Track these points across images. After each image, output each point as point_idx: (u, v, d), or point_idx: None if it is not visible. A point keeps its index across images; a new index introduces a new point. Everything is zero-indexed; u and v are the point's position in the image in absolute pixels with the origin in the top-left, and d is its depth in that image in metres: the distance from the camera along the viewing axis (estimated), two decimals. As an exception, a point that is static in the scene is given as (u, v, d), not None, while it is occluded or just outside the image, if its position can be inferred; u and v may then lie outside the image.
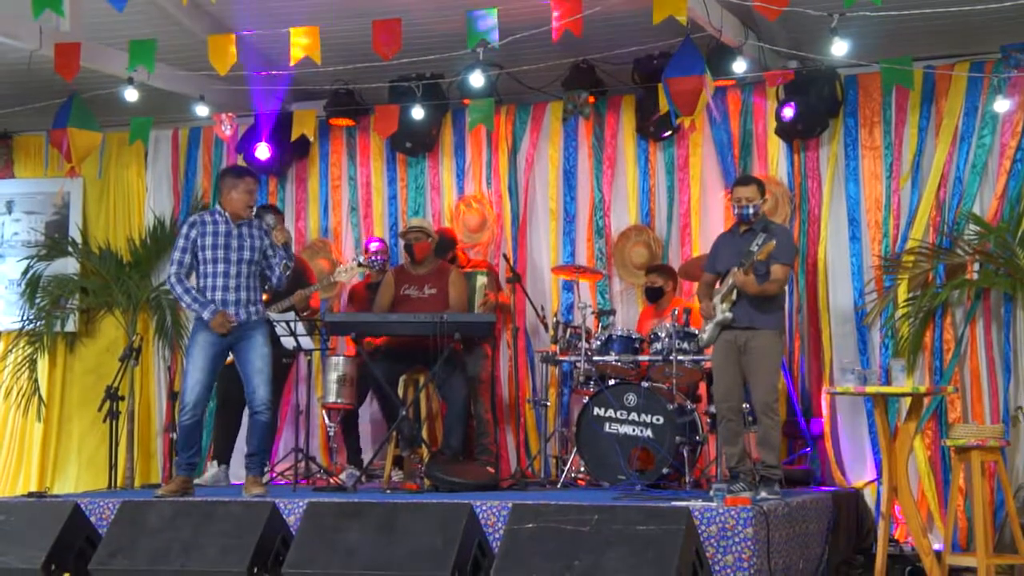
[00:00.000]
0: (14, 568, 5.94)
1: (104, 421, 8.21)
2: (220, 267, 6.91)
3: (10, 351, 9.77)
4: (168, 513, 6.02)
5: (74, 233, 9.83)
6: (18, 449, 9.89)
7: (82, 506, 6.39)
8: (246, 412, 8.15)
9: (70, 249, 9.72)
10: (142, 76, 8.07)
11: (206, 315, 6.83)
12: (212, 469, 8.11)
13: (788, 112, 8.09)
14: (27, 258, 9.73)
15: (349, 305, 8.73)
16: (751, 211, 6.82)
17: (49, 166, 9.90)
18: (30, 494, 7.77)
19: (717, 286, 6.90)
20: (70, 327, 9.78)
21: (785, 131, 8.22)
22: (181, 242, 6.93)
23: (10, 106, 9.10)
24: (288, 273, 7.15)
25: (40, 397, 9.66)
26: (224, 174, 7.20)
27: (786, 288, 7.23)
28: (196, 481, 7.31)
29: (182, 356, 8.96)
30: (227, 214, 6.97)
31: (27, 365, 9.64)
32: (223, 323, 6.82)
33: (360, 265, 8.20)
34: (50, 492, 8.67)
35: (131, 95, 8.27)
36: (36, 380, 9.65)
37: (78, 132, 8.29)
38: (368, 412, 8.73)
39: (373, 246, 8.67)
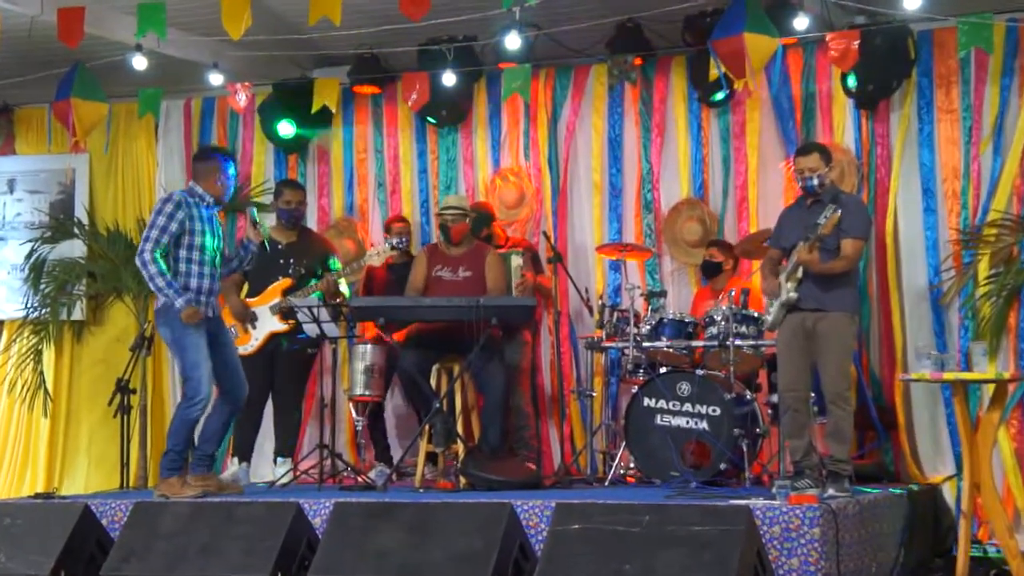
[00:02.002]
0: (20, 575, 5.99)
1: (115, 416, 8.26)
2: (207, 255, 6.92)
3: (13, 341, 9.85)
4: (185, 515, 6.06)
5: (80, 213, 9.89)
6: (24, 447, 9.98)
7: (92, 508, 6.44)
8: (268, 407, 8.27)
9: (76, 231, 9.78)
10: (151, 43, 8.09)
11: (179, 303, 6.77)
12: (232, 467, 8.16)
13: (851, 81, 8.00)
14: (30, 241, 9.80)
15: (366, 290, 8.70)
16: (816, 182, 6.76)
17: (53, 141, 9.95)
18: (37, 495, 7.83)
19: (783, 264, 6.85)
20: (77, 315, 9.85)
21: (852, 93, 8.14)
22: (163, 220, 6.85)
23: (10, 77, 9.15)
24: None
25: (46, 391, 9.74)
26: (210, 154, 7.21)
27: (859, 266, 7.16)
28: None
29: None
30: (210, 197, 6.98)
31: (32, 356, 9.72)
32: (193, 316, 6.80)
33: (393, 248, 8.21)
34: (58, 493, 8.73)
35: (139, 63, 8.29)
36: (41, 372, 9.73)
37: (83, 104, 8.33)
38: (391, 405, 8.74)
39: (399, 227, 8.68)
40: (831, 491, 6.45)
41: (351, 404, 8.29)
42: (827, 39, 7.93)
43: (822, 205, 6.69)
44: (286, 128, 9.30)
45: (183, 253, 6.89)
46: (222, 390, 7.05)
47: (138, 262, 6.90)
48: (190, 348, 6.84)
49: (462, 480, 7.19)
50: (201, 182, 7.02)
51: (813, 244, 6.58)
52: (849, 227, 6.62)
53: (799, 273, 6.69)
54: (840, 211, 6.54)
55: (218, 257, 7.03)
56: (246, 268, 7.41)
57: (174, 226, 6.85)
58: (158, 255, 6.80)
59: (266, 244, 7.27)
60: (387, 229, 8.79)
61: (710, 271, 8.18)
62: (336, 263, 8.33)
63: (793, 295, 6.68)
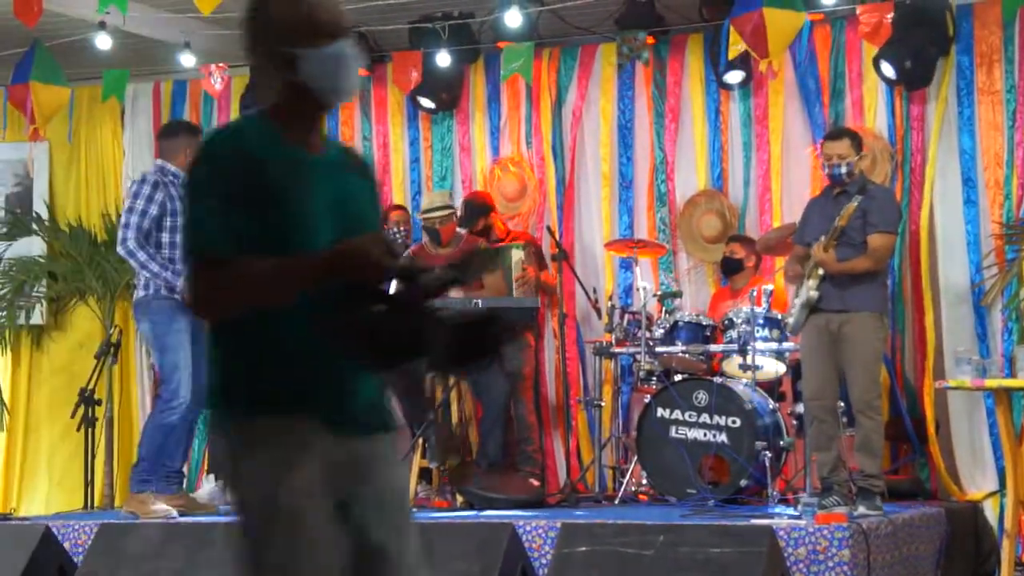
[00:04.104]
0: (-25, 603, 6.03)
1: (78, 429, 8.29)
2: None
3: (-34, 348, 9.87)
4: (156, 537, 6.09)
5: (39, 207, 9.91)
6: (-23, 464, 10.00)
7: (54, 530, 6.46)
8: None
9: (35, 226, 9.80)
10: (116, 20, 8.11)
11: (180, 284, 6.88)
12: (208, 484, 8.18)
13: (888, 70, 8.02)
14: (-16, 238, 9.82)
15: None
16: (843, 170, 6.79)
17: (9, 128, 9.98)
18: (-7, 516, 7.86)
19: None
20: (36, 319, 9.87)
21: (888, 79, 8.16)
22: (142, 203, 6.92)
23: (-38, 59, 9.18)
24: None
25: (2, 402, 9.76)
26: (176, 129, 7.29)
27: (890, 263, 7.19)
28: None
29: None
30: (183, 175, 7.04)
31: (-14, 365, 9.75)
32: None
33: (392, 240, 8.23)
34: (16, 514, 8.75)
35: (103, 42, 8.32)
36: (-3, 382, 9.76)
37: (42, 87, 8.36)
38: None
39: (397, 216, 8.70)
40: (862, 509, 6.48)
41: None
42: (857, 13, 7.96)
43: (849, 196, 6.74)
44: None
45: (165, 236, 6.96)
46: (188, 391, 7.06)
47: (122, 252, 6.96)
48: (172, 348, 6.90)
49: (459, 498, 7.22)
50: (171, 159, 7.09)
51: (829, 242, 6.62)
52: (878, 220, 6.65)
53: (820, 271, 6.73)
54: (857, 203, 6.58)
55: None
56: None
57: (154, 209, 6.92)
58: (142, 240, 6.88)
59: None
60: (385, 219, 8.81)
61: (730, 269, 8.20)
62: None
63: (814, 294, 6.72)
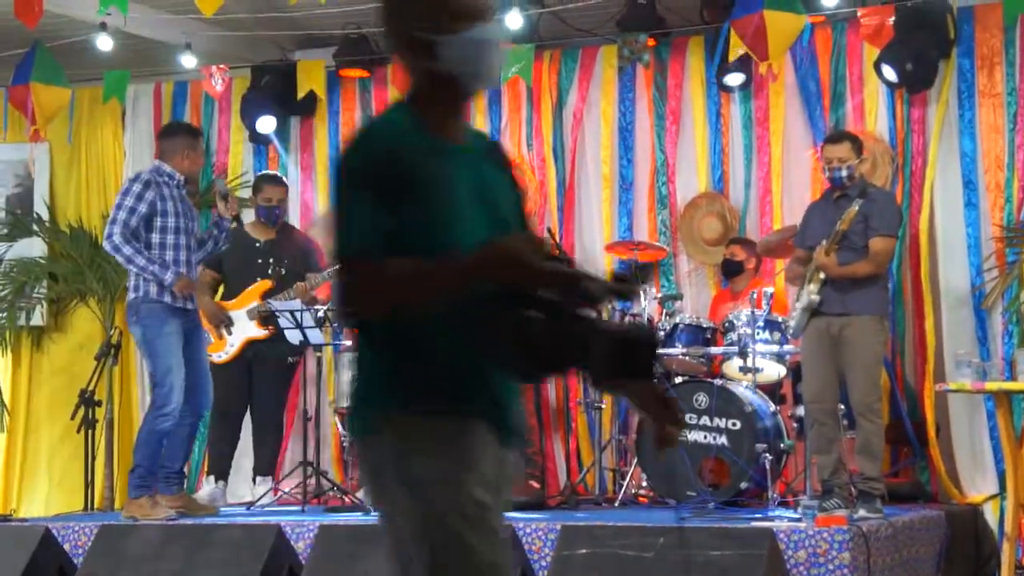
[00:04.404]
0: (-25, 605, 6.04)
1: (78, 431, 8.30)
2: (182, 239, 7.00)
3: (-34, 349, 9.88)
4: (155, 538, 6.10)
5: (40, 208, 9.92)
6: (-23, 465, 10.01)
7: (54, 531, 6.47)
8: (247, 421, 8.30)
9: (35, 227, 9.80)
10: (117, 21, 8.12)
11: (168, 278, 6.88)
12: (208, 486, 8.19)
13: (889, 73, 8.02)
14: (-16, 239, 9.83)
15: None
16: (844, 173, 6.81)
17: (9, 129, 9.98)
18: (-7, 517, 7.87)
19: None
20: (36, 320, 9.87)
21: (889, 82, 8.16)
22: (131, 201, 6.93)
23: (-38, 59, 9.19)
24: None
25: (2, 403, 9.77)
26: (175, 129, 7.31)
27: (890, 266, 7.19)
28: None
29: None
30: (179, 176, 7.07)
31: (-14, 366, 9.76)
32: (187, 286, 6.90)
33: None
34: (16, 515, 8.76)
35: (104, 43, 8.33)
36: (-3, 383, 9.77)
37: (43, 88, 8.36)
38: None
39: None
40: (862, 512, 6.48)
41: (337, 417, 8.32)
42: (858, 16, 7.96)
43: (849, 200, 6.75)
44: (265, 125, 9.28)
45: (155, 237, 6.96)
46: (184, 396, 7.07)
47: (108, 247, 6.96)
48: (163, 352, 6.88)
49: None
50: (168, 160, 7.10)
51: (830, 246, 6.63)
52: (878, 224, 6.66)
53: (822, 274, 6.73)
54: (859, 206, 6.59)
55: (192, 240, 7.09)
56: (223, 248, 7.45)
57: (143, 207, 6.92)
58: (128, 236, 6.88)
59: (240, 218, 7.35)
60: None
61: (730, 271, 8.20)
62: None
63: (815, 298, 6.73)
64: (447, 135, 2.87)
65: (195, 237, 7.16)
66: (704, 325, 7.79)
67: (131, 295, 7.01)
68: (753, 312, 7.41)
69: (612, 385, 3.00)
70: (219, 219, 7.31)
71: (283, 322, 7.67)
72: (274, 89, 9.16)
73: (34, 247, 9.84)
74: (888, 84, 8.22)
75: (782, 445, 7.38)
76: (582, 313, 2.75)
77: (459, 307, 2.73)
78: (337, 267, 2.75)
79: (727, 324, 7.66)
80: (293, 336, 7.71)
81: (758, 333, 7.41)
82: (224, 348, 8.10)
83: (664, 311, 7.96)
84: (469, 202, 2.82)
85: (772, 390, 7.72)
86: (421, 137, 2.81)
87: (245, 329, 8.11)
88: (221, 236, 7.34)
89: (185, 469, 7.52)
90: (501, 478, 2.82)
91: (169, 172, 7.07)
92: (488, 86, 3.00)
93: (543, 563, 5.85)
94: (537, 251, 2.71)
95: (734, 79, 8.46)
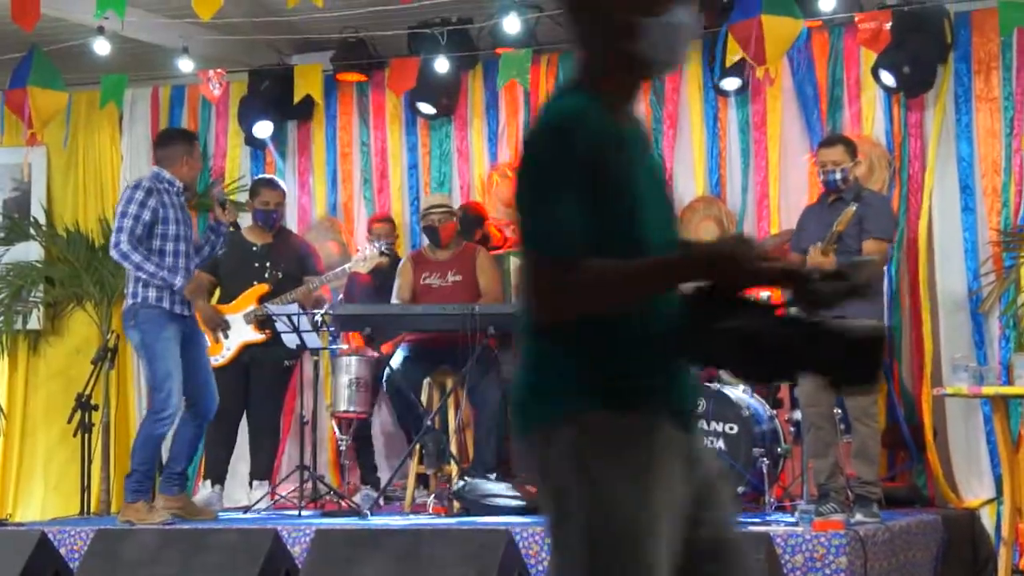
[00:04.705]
0: (-30, 610, 6.03)
1: (75, 435, 8.29)
2: (181, 246, 7.02)
3: (-38, 353, 9.87)
4: (152, 543, 6.08)
5: (37, 212, 9.91)
6: (-27, 469, 10.00)
7: (50, 535, 6.45)
8: (243, 425, 8.30)
9: (32, 231, 9.80)
10: (115, 25, 8.12)
11: (178, 283, 6.92)
12: (204, 490, 8.19)
13: (886, 77, 8.02)
14: (-19, 242, 9.83)
15: (348, 296, 8.71)
16: (838, 176, 6.82)
17: (6, 133, 10.00)
18: (-11, 521, 7.87)
19: (808, 268, 6.90)
20: (33, 324, 9.87)
21: (887, 86, 8.16)
22: (135, 208, 6.95)
23: (-41, 63, 9.19)
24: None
25: (-1, 407, 9.77)
26: (173, 137, 7.31)
27: (884, 269, 7.19)
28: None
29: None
30: (178, 183, 7.08)
31: (-17, 370, 9.76)
32: (197, 288, 6.92)
33: (382, 254, 8.21)
34: (12, 519, 8.76)
35: (102, 47, 8.33)
36: (-6, 387, 9.76)
37: (40, 92, 8.36)
38: (378, 422, 8.78)
39: (377, 228, 8.71)
40: (859, 516, 6.48)
41: (334, 421, 8.32)
42: (856, 20, 7.97)
43: (844, 203, 6.75)
44: (262, 129, 9.29)
45: (156, 244, 6.98)
46: (189, 400, 7.07)
47: (116, 255, 6.98)
48: (161, 356, 6.89)
49: (456, 504, 7.22)
50: (167, 167, 7.11)
51: (827, 247, 6.63)
52: (872, 227, 6.66)
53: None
54: (855, 207, 6.59)
55: (191, 247, 7.12)
56: (219, 252, 7.47)
57: (147, 214, 6.94)
58: (135, 243, 6.91)
59: (238, 224, 7.39)
60: (368, 230, 8.83)
61: (727, 276, 8.19)
62: None
63: (810, 300, 6.72)
64: (624, 120, 2.77)
65: (193, 243, 7.17)
66: (701, 329, 7.78)
67: (129, 300, 7.02)
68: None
69: (852, 390, 2.90)
70: (216, 224, 7.32)
71: (280, 326, 7.67)
72: (271, 93, 9.17)
73: (31, 251, 9.84)
74: (885, 88, 8.23)
75: (779, 449, 7.38)
76: (808, 314, 2.67)
77: (656, 306, 2.67)
78: (532, 265, 2.63)
79: (724, 328, 7.64)
80: (290, 340, 7.71)
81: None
82: (220, 352, 8.09)
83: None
84: (651, 194, 2.73)
85: (769, 394, 7.72)
86: (611, 126, 2.71)
87: (241, 333, 8.11)
88: (218, 241, 7.36)
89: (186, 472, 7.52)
90: (697, 465, 2.74)
91: (169, 179, 7.08)
92: (672, 71, 2.98)
93: (540, 568, 5.85)
94: (754, 252, 2.63)
95: (731, 83, 8.46)
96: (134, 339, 7.05)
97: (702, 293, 2.65)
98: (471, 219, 8.46)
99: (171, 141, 7.26)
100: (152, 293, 6.95)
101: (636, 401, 2.66)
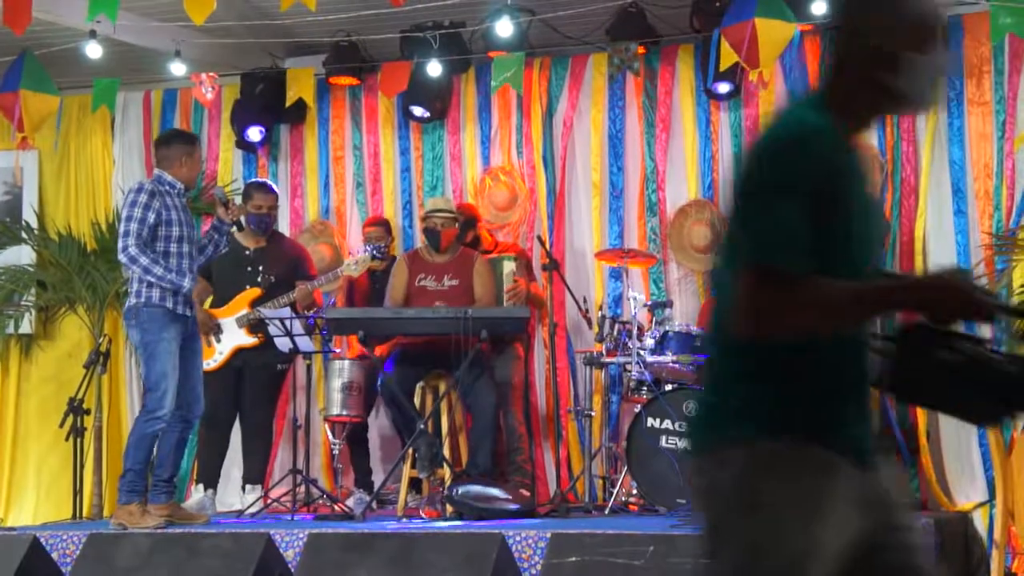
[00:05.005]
0: (-38, 614, 6.02)
1: (67, 439, 8.28)
2: (184, 247, 7.02)
3: (-46, 358, 9.86)
4: (144, 547, 6.09)
5: (28, 216, 9.90)
6: (-35, 473, 9.98)
7: (42, 540, 6.45)
8: (235, 429, 8.29)
9: (24, 235, 9.79)
10: (107, 29, 8.12)
11: (187, 285, 6.94)
12: (197, 494, 8.18)
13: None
14: (-27, 247, 9.81)
15: (347, 300, 8.71)
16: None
17: (-2, 137, 9.99)
18: (-19, 526, 7.85)
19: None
20: (25, 328, 9.85)
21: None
22: (139, 211, 6.95)
23: (-50, 67, 9.18)
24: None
25: (-9, 411, 9.75)
26: (173, 138, 7.31)
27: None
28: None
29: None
30: (179, 184, 7.08)
31: (-26, 374, 9.74)
32: (204, 290, 6.92)
33: (375, 258, 8.21)
34: (4, 523, 8.75)
35: (93, 51, 8.32)
36: (-15, 391, 9.75)
37: (31, 96, 8.36)
38: (375, 425, 8.78)
39: (369, 232, 8.71)
40: (852, 520, 6.48)
41: (327, 425, 8.32)
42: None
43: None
44: (255, 133, 9.29)
45: (160, 246, 6.99)
46: (176, 403, 7.06)
47: (124, 259, 6.98)
48: (160, 356, 6.90)
49: (449, 508, 7.22)
50: (168, 168, 7.11)
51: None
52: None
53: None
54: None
55: (194, 248, 7.12)
56: (223, 251, 7.47)
57: (151, 216, 6.95)
58: (143, 246, 6.92)
59: (242, 222, 7.41)
60: (364, 234, 8.83)
61: (720, 279, 8.20)
62: None
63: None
64: (855, 145, 2.75)
65: (196, 245, 7.18)
66: (694, 332, 7.80)
67: (132, 300, 7.02)
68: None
69: None
70: (219, 223, 7.31)
71: (272, 330, 7.67)
72: (264, 97, 9.17)
73: (23, 255, 9.81)
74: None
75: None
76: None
77: (856, 336, 2.64)
78: (751, 276, 2.55)
79: (717, 332, 7.65)
80: (283, 344, 7.71)
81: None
82: (213, 356, 8.08)
83: (654, 318, 7.98)
84: (865, 223, 2.69)
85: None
86: (845, 148, 2.69)
87: (234, 337, 8.11)
88: (221, 240, 7.36)
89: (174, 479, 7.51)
90: (880, 504, 2.70)
91: (170, 181, 7.08)
92: (917, 112, 2.97)
93: (533, 571, 5.85)
94: (973, 286, 2.61)
95: (724, 87, 8.47)
96: (135, 338, 7.06)
97: (911, 326, 2.62)
98: (464, 220, 8.45)
99: (170, 142, 7.27)
100: (156, 293, 6.96)
101: (821, 433, 2.61)
